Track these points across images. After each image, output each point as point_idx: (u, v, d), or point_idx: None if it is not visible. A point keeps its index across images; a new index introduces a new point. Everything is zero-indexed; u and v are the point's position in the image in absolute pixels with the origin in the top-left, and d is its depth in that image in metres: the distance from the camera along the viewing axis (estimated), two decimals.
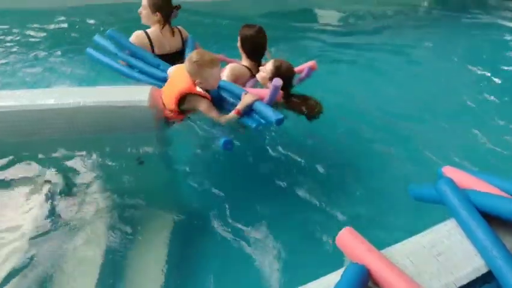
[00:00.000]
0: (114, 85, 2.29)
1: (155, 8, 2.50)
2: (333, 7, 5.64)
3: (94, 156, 2.19)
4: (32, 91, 2.21)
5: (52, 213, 1.89)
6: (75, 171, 2.12)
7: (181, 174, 2.23)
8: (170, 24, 2.62)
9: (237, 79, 2.33)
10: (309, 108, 2.27)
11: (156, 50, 2.58)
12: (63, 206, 1.94)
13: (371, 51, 4.04)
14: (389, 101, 2.95)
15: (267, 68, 2.30)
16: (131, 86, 2.24)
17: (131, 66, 2.42)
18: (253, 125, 2.06)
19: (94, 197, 1.99)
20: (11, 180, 2.05)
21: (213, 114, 2.12)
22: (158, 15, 2.53)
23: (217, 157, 2.29)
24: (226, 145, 2.05)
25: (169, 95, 2.16)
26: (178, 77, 2.17)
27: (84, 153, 2.20)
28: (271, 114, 2.02)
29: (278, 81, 2.06)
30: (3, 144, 2.13)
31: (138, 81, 2.35)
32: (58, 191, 2.01)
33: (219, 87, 2.18)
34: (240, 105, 2.09)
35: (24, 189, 2.00)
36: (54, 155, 2.17)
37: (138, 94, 2.06)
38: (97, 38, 2.59)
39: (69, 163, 2.15)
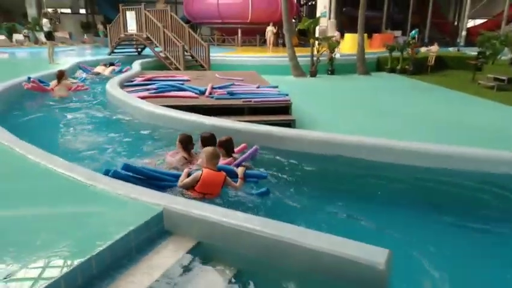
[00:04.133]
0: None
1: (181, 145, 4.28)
2: None
3: None
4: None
5: None
6: None
7: None
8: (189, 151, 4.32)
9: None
10: None
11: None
12: None
13: None
14: None
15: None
16: (367, 244, 2.33)
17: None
18: (256, 180, 3.90)
19: None
20: None
21: (234, 184, 3.73)
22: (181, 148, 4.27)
23: None
24: (268, 192, 3.66)
25: (213, 184, 3.55)
26: (211, 176, 3.53)
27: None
28: (261, 173, 4.05)
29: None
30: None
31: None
32: None
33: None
34: (240, 175, 3.78)
35: None
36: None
37: (375, 254, 2.20)
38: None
39: None
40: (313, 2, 30.65)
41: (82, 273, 2.11)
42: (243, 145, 4.67)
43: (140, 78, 9.76)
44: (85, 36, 25.19)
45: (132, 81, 9.52)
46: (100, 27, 23.38)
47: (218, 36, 26.60)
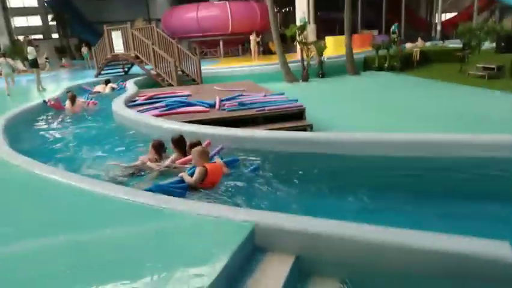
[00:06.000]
0: None
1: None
2: None
3: None
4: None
5: None
6: None
7: None
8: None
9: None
10: None
11: None
12: None
13: None
14: None
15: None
16: (487, 239, 2.30)
17: None
18: (234, 165, 4.62)
19: None
20: None
21: (226, 171, 4.30)
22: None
23: None
24: (258, 168, 4.43)
25: (218, 174, 4.09)
26: (213, 167, 4.08)
27: None
28: (234, 158, 4.74)
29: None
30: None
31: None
32: None
33: None
34: (222, 163, 4.37)
35: None
36: None
37: (501, 248, 2.17)
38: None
39: None
40: (288, 9, 31.07)
41: None
42: (207, 141, 5.06)
43: (142, 97, 9.56)
44: (63, 61, 24.62)
45: (134, 101, 9.31)
46: (84, 49, 22.87)
47: (199, 50, 26.55)
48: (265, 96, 8.67)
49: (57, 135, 7.53)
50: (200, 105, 8.07)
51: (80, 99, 10.28)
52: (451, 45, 19.77)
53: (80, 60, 26.65)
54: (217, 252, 2.32)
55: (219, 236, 2.55)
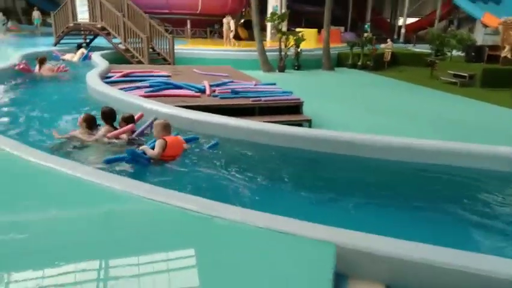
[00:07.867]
0: None
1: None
2: None
3: None
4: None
5: None
6: None
7: None
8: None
9: None
10: None
11: None
12: None
13: None
14: None
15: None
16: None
17: None
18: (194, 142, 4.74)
19: None
20: None
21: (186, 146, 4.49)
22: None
23: None
24: (217, 143, 4.55)
25: (178, 146, 4.27)
26: (173, 140, 4.24)
27: None
28: (194, 135, 4.85)
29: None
30: None
31: None
32: None
33: None
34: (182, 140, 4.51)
35: None
36: None
37: None
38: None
39: None
40: None
41: None
42: (140, 114, 5.23)
43: (118, 74, 8.63)
44: (10, 24, 22.06)
45: (109, 77, 8.38)
46: (36, 13, 20.56)
47: (165, 27, 25.11)
48: (255, 85, 8.18)
49: (26, 99, 7.10)
50: (188, 89, 7.40)
51: (48, 65, 9.77)
52: (417, 50, 20.43)
53: (28, 26, 24.07)
54: (308, 280, 1.88)
55: (297, 258, 2.10)
